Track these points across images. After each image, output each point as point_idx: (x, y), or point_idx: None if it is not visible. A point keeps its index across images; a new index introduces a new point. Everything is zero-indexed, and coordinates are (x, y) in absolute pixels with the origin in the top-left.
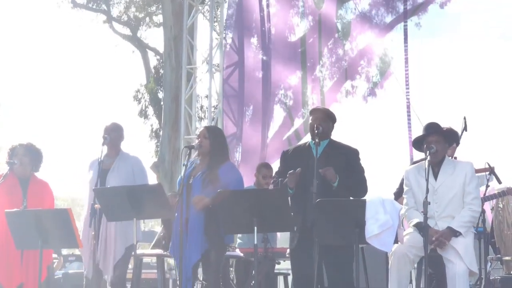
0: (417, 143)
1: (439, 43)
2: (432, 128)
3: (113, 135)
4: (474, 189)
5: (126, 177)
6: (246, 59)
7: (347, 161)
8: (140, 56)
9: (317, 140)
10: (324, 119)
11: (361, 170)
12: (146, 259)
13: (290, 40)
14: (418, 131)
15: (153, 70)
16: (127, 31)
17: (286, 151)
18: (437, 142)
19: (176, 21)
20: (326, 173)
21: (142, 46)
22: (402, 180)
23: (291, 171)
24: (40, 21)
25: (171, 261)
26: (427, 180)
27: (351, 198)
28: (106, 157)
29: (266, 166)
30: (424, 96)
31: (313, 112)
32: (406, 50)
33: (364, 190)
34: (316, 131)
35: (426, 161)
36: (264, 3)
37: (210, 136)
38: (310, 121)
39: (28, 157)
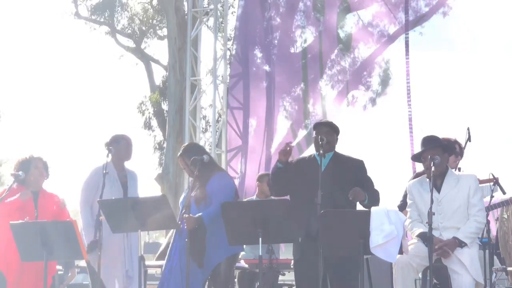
0: (417, 157)
1: (442, 53)
2: (429, 142)
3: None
4: (478, 201)
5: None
6: (251, 70)
7: (354, 174)
8: (144, 68)
9: (321, 151)
10: (328, 132)
11: (371, 182)
12: (150, 271)
13: (292, 51)
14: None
15: (157, 82)
16: (130, 43)
17: (290, 162)
18: (436, 155)
19: (180, 33)
20: (356, 195)
21: (145, 58)
22: (405, 193)
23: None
24: (43, 32)
25: None
26: (431, 190)
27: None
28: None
29: (268, 174)
30: (427, 107)
31: (317, 126)
32: (407, 62)
33: (378, 201)
34: (320, 143)
35: (431, 172)
36: (267, 15)
37: (187, 163)
38: (314, 135)
39: (46, 169)
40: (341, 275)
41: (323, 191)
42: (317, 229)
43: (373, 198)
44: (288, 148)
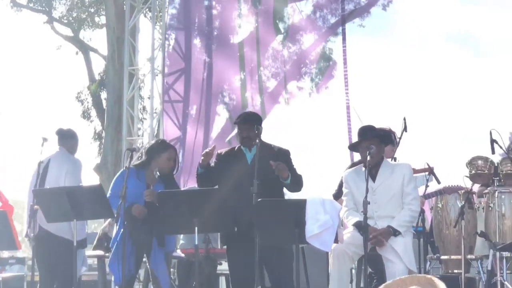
0: (354, 147)
1: (380, 44)
2: (366, 133)
3: None
4: (412, 190)
5: None
6: (191, 60)
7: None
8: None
9: (242, 147)
10: (249, 129)
11: (294, 169)
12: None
13: (232, 41)
14: None
15: (98, 72)
16: (69, 32)
17: (219, 153)
18: (373, 145)
19: (118, 22)
20: (279, 167)
21: (84, 48)
22: (341, 182)
23: (206, 149)
24: None
25: None
26: (366, 180)
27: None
28: None
29: None
30: (366, 96)
31: (237, 123)
32: (344, 51)
33: (301, 185)
34: (244, 141)
35: (367, 161)
36: (207, 3)
37: None
38: (237, 130)
39: None
40: (277, 265)
41: (248, 183)
42: (249, 218)
43: (296, 180)
44: (209, 151)
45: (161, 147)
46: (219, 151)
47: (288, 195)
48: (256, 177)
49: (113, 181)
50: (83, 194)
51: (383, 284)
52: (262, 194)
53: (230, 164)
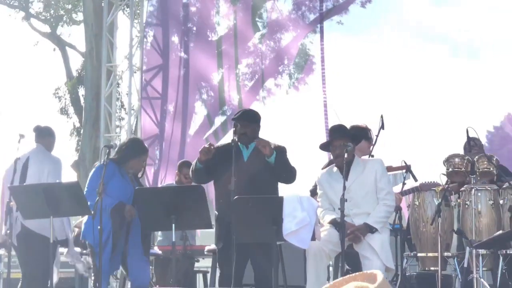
0: (325, 146)
1: (359, 42)
2: (337, 132)
3: None
4: (386, 185)
5: None
6: (170, 57)
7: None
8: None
9: (239, 144)
10: (247, 126)
11: (289, 163)
12: (63, 258)
13: (210, 38)
14: None
15: (75, 68)
16: (46, 29)
17: (217, 146)
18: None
19: (97, 18)
20: (261, 143)
21: (62, 44)
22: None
23: (205, 145)
24: None
25: (90, 259)
26: (344, 177)
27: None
28: None
29: (188, 165)
30: (344, 94)
31: (235, 120)
32: (322, 49)
33: (294, 174)
34: (241, 138)
35: (343, 159)
36: (185, 1)
37: None
38: (233, 127)
39: None
40: (259, 262)
41: (246, 180)
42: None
43: (283, 162)
44: (209, 147)
45: (141, 149)
46: (216, 145)
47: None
48: (243, 177)
49: (90, 177)
50: (60, 190)
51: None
52: (256, 192)
53: (226, 160)
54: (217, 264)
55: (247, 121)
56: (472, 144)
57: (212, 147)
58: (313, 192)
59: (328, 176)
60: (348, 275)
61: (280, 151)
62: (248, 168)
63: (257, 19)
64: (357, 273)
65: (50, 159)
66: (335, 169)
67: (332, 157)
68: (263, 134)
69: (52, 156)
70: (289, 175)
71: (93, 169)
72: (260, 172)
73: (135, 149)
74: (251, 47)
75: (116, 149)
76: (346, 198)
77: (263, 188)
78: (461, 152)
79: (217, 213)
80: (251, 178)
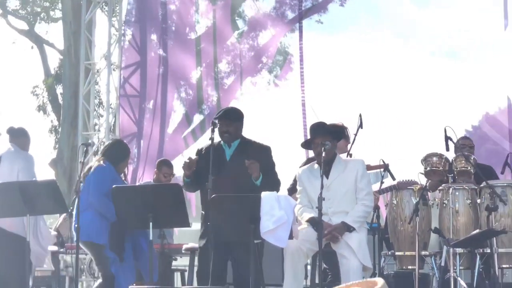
0: (307, 144)
1: (338, 41)
2: (318, 129)
3: None
4: (366, 185)
5: None
6: (148, 56)
7: (259, 160)
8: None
9: (221, 143)
10: (229, 124)
11: (274, 171)
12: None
13: (189, 37)
14: None
15: (53, 66)
16: (24, 26)
17: (200, 149)
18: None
19: (75, 16)
20: (251, 166)
21: (40, 42)
22: (296, 177)
23: (186, 159)
24: None
25: (68, 258)
26: (321, 176)
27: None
28: None
29: (167, 164)
30: (322, 93)
31: (218, 119)
32: (301, 48)
33: (278, 188)
34: (223, 136)
35: (321, 157)
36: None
37: None
38: (217, 126)
39: None
40: (238, 260)
41: (229, 179)
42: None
43: (268, 184)
44: (190, 161)
45: (128, 151)
46: (199, 148)
47: None
48: (211, 173)
49: (94, 180)
50: (37, 188)
51: None
52: (238, 191)
53: (209, 160)
54: (198, 261)
55: (229, 119)
56: (461, 143)
57: (193, 158)
58: (292, 190)
59: (309, 173)
60: (351, 282)
61: (266, 155)
62: (231, 167)
63: (236, 17)
64: (359, 281)
65: (21, 156)
66: (316, 166)
67: (310, 155)
68: (244, 131)
69: (24, 153)
70: (272, 189)
71: (94, 170)
72: (244, 171)
73: (124, 151)
74: (230, 45)
75: (103, 150)
76: (326, 196)
77: (246, 187)
78: (442, 151)
79: (203, 212)
80: (234, 177)
